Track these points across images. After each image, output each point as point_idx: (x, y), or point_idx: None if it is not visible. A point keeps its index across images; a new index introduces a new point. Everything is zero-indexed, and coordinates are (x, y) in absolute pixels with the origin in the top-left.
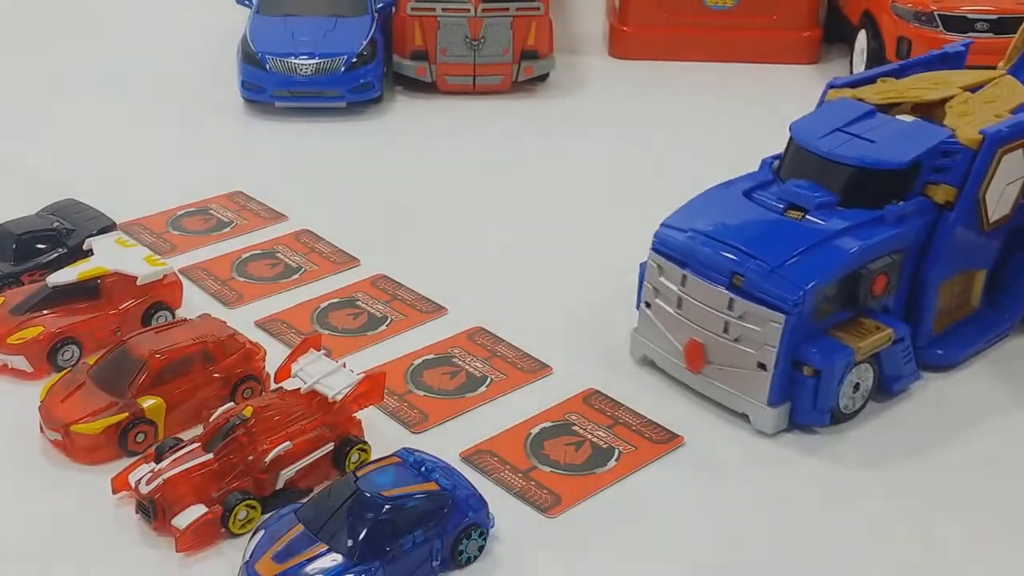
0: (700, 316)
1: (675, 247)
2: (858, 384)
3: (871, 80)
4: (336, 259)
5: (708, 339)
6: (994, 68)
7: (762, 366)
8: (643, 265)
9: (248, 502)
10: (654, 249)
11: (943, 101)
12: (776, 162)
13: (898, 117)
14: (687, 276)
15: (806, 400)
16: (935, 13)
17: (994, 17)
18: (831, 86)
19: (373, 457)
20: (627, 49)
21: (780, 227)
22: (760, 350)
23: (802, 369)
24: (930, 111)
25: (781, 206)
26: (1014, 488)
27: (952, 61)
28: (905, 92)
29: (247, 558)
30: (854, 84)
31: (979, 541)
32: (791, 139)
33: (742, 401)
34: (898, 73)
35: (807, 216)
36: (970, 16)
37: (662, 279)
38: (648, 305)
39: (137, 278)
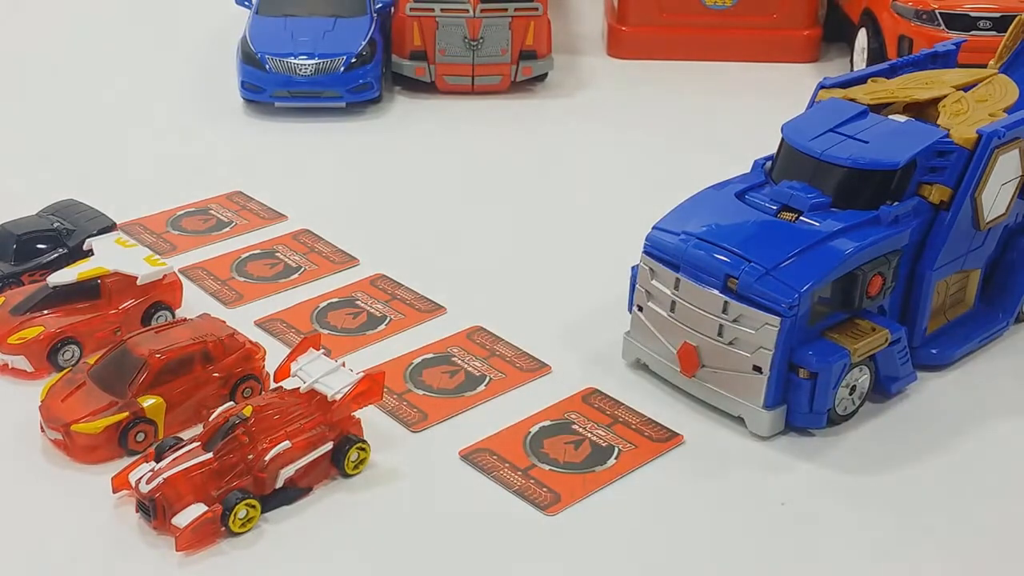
0: (694, 319)
1: (667, 250)
2: (854, 386)
3: (862, 80)
4: (335, 259)
5: (702, 342)
6: (984, 67)
7: (757, 369)
8: (634, 268)
9: (248, 501)
10: (646, 252)
11: (935, 100)
12: (768, 163)
13: (891, 117)
14: (680, 279)
15: (802, 403)
16: (936, 11)
17: (997, 15)
18: (821, 86)
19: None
20: (626, 49)
21: (774, 229)
22: (755, 353)
23: (798, 372)
24: (922, 111)
25: (774, 208)
26: (1012, 487)
27: (943, 60)
28: (896, 92)
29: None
30: (845, 84)
31: (978, 541)
32: (783, 140)
33: (737, 404)
34: (888, 73)
35: (801, 218)
36: (972, 14)
37: (655, 282)
38: (640, 308)
39: (137, 278)
